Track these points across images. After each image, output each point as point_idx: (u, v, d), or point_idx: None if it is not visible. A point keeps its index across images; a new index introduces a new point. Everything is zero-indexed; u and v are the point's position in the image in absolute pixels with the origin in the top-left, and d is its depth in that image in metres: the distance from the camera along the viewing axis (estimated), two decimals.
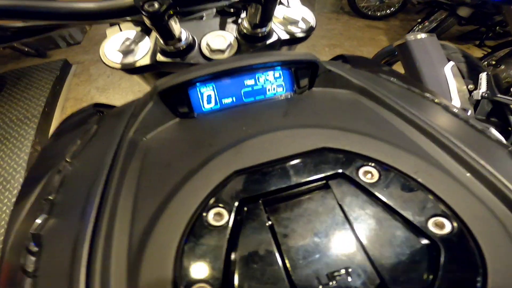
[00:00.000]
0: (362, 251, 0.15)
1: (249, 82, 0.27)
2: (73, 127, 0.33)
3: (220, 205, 0.17)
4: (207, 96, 0.26)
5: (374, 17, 3.14)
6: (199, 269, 0.15)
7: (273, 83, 0.27)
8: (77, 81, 2.57)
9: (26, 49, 2.66)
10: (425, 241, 0.15)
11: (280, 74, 0.27)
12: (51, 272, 0.16)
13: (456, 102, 0.97)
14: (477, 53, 2.39)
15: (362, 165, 0.18)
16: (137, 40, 0.40)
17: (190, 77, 0.25)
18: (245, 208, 0.17)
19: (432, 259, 0.14)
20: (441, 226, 0.15)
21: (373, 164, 0.18)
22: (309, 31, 0.43)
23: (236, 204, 0.16)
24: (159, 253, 0.15)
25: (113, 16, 0.29)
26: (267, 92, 0.27)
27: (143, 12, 0.27)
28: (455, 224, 0.15)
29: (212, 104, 0.27)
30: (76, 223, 0.17)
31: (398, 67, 1.29)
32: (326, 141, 0.19)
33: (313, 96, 0.27)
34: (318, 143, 0.19)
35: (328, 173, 0.18)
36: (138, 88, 2.32)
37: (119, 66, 0.40)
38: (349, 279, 0.14)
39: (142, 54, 0.40)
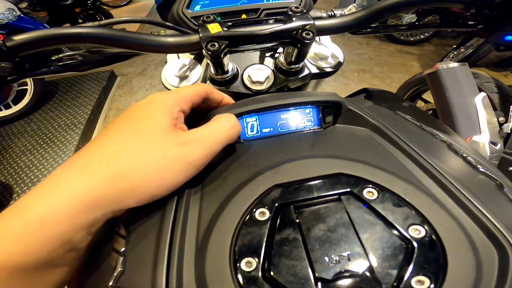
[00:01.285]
0: (359, 244, 0.21)
1: (284, 116, 0.33)
2: None
3: (264, 206, 0.23)
4: (250, 126, 0.33)
5: (407, 42, 3.05)
6: (248, 247, 0.21)
7: (303, 118, 0.34)
8: (120, 92, 2.78)
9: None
10: (404, 241, 0.21)
11: (310, 111, 0.34)
12: (138, 250, 0.22)
13: (485, 134, 0.95)
14: None
15: (366, 187, 0.24)
16: (191, 67, 0.48)
17: (243, 110, 0.32)
18: (281, 210, 0.23)
19: (407, 254, 0.20)
20: (417, 231, 0.21)
21: (373, 186, 0.24)
22: (337, 66, 0.49)
23: (275, 206, 0.23)
24: (221, 237, 0.22)
25: (184, 49, 0.37)
26: (298, 125, 0.34)
27: (206, 50, 0.35)
28: (428, 230, 0.21)
29: (254, 132, 0.34)
30: (157, 219, 0.24)
31: (429, 96, 1.28)
32: (341, 168, 0.26)
33: (335, 131, 0.33)
34: (335, 170, 0.26)
35: (341, 191, 0.24)
36: None
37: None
38: (348, 260, 0.20)
39: (195, 80, 0.48)
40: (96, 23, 0.38)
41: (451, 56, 2.37)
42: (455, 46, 2.37)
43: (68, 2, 3.20)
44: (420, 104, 1.51)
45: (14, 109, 2.41)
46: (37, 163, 2.03)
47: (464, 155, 0.28)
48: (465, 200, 0.23)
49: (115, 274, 0.21)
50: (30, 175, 1.93)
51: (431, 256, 0.20)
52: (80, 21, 3.52)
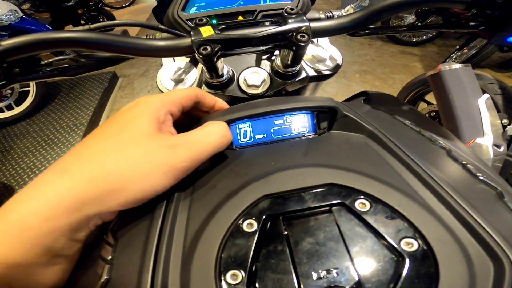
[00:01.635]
0: (348, 258, 0.20)
1: (278, 122, 0.32)
2: None
3: (252, 218, 0.23)
4: (243, 132, 0.32)
5: (409, 43, 3.02)
6: (234, 260, 0.20)
7: (297, 124, 0.33)
8: (121, 94, 2.78)
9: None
10: (395, 255, 0.20)
11: (304, 116, 0.33)
12: (124, 259, 0.22)
13: (489, 137, 0.93)
14: None
15: (358, 198, 0.23)
16: (186, 71, 0.48)
17: (236, 116, 0.31)
18: (269, 221, 0.23)
19: (398, 268, 0.19)
20: (410, 244, 0.20)
21: (366, 197, 0.24)
22: (336, 68, 0.48)
23: (263, 218, 0.23)
24: (206, 248, 0.21)
25: (176, 53, 0.37)
26: (293, 131, 0.33)
27: (198, 54, 0.34)
28: (421, 243, 0.20)
29: (247, 139, 0.32)
30: (144, 227, 0.23)
31: (432, 98, 1.26)
32: (333, 178, 0.25)
33: (330, 138, 0.32)
34: (327, 180, 0.25)
35: (332, 202, 0.24)
36: None
37: None
38: (337, 275, 0.19)
39: (190, 83, 0.47)
40: (86, 27, 0.37)
41: (454, 57, 2.34)
42: (458, 47, 2.34)
43: (70, 4, 3.23)
44: (422, 106, 1.49)
45: (17, 110, 2.42)
46: (38, 164, 2.03)
47: (463, 162, 0.27)
48: (461, 211, 0.22)
49: (101, 281, 0.21)
50: (32, 176, 1.94)
51: (422, 270, 0.19)
52: (82, 22, 3.54)
